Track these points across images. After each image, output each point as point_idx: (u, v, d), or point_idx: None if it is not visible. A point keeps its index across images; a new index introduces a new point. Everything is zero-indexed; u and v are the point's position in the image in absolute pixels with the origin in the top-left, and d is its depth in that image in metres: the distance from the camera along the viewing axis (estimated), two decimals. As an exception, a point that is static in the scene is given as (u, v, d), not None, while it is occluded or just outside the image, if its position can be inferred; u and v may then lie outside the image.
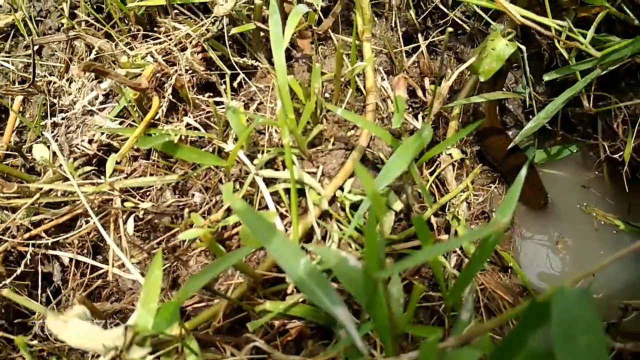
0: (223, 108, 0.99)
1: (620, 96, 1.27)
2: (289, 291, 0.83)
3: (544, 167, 1.43)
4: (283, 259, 0.62)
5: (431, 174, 1.11)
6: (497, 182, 1.26)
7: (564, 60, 1.29)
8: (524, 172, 0.70)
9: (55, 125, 1.09)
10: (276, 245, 0.63)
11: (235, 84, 1.08)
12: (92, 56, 1.12)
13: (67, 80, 1.11)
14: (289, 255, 0.62)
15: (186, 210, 0.87)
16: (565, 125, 1.45)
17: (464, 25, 1.33)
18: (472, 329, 0.56)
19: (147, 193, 1.03)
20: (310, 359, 0.73)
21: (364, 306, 0.62)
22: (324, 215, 0.93)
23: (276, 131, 0.97)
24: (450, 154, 1.12)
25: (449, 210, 1.07)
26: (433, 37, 1.29)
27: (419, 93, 1.14)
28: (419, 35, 1.29)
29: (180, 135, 0.92)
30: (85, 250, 1.03)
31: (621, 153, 1.27)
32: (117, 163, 1.04)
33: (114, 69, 0.98)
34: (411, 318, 0.64)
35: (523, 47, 1.23)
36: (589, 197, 1.36)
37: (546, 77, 1.17)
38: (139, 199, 0.99)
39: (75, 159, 1.04)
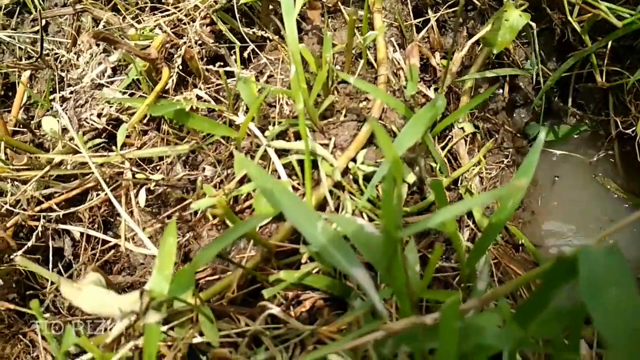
0: (233, 80, 0.98)
1: (634, 71, 1.26)
2: (303, 261, 0.83)
3: (553, 147, 1.42)
4: (300, 222, 0.61)
5: (443, 148, 1.10)
6: (509, 158, 1.25)
7: (576, 35, 1.28)
8: (542, 136, 0.69)
9: (63, 99, 1.08)
10: (292, 208, 0.62)
11: (245, 56, 1.06)
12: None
13: (75, 53, 1.10)
14: (306, 218, 0.62)
15: (199, 179, 0.86)
16: (577, 104, 1.44)
17: (474, 0, 1.31)
18: (495, 290, 0.55)
19: (158, 167, 1.02)
20: (327, 327, 0.72)
21: (382, 271, 0.61)
22: (337, 188, 0.92)
23: (287, 103, 0.96)
24: (462, 128, 1.11)
25: (461, 184, 1.06)
26: (443, 11, 1.27)
27: (433, 62, 1.13)
28: (429, 9, 1.28)
29: (191, 107, 0.91)
30: (96, 225, 1.03)
31: (633, 128, 1.25)
32: (127, 137, 1.03)
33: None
34: (429, 282, 0.64)
35: (533, 24, 1.21)
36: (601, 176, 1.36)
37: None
38: (149, 173, 0.98)
39: (84, 133, 1.04)
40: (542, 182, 1.38)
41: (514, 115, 1.49)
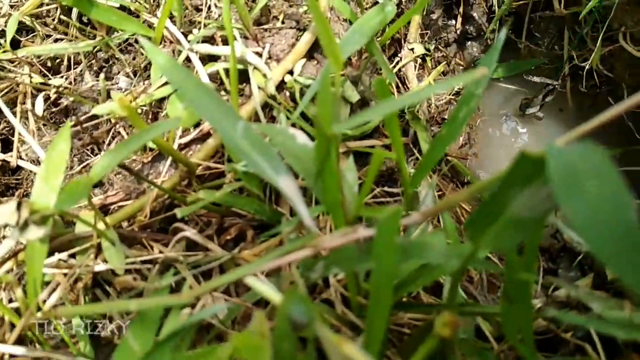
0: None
1: None
2: (226, 182, 0.73)
3: (505, 82, 1.36)
4: (217, 121, 0.51)
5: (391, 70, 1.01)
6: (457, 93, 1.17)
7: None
8: (502, 35, 0.60)
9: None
10: (207, 104, 0.51)
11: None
12: None
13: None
14: (224, 117, 0.51)
15: (102, 79, 0.73)
16: (530, 39, 1.37)
17: None
18: (440, 203, 0.47)
19: (66, 77, 0.88)
20: (249, 251, 0.63)
21: (313, 181, 0.51)
22: (271, 105, 0.81)
23: (216, 5, 0.83)
24: (412, 49, 1.01)
25: (408, 109, 0.97)
26: None
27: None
28: None
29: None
30: (-8, 144, 0.89)
31: (588, 62, 1.20)
32: (31, 42, 0.89)
33: None
34: (367, 198, 0.55)
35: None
36: (549, 113, 1.30)
37: None
38: (57, 78, 0.84)
39: (-23, 35, 0.88)
40: (491, 119, 1.32)
41: (466, 48, 1.42)
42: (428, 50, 1.05)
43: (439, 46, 1.33)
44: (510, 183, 0.40)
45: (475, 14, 1.37)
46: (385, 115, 0.48)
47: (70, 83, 0.86)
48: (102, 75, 0.72)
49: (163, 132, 0.58)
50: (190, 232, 0.62)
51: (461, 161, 1.17)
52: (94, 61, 0.88)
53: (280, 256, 0.48)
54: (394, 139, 0.53)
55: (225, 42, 0.80)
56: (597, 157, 0.34)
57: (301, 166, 0.55)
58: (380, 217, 0.42)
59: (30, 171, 0.86)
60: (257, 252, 0.61)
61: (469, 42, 1.40)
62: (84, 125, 0.75)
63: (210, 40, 0.82)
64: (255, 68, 0.78)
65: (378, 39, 0.80)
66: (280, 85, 0.81)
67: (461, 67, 1.39)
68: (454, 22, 1.38)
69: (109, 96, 0.76)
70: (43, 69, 0.87)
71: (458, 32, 1.37)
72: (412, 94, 0.44)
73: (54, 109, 0.85)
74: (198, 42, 0.77)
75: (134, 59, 0.87)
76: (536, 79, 1.23)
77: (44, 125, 0.86)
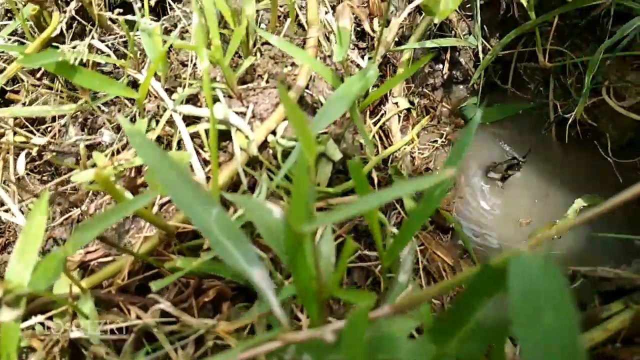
0: (139, 35, 0.84)
1: (577, 52, 1.21)
2: (205, 247, 0.73)
3: (491, 127, 1.36)
4: (190, 206, 0.51)
5: (375, 124, 1.02)
6: (444, 137, 1.18)
7: (522, 11, 1.22)
8: (477, 117, 0.60)
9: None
10: (181, 188, 0.51)
11: (151, 4, 0.91)
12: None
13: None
14: (198, 202, 0.51)
15: (82, 146, 0.73)
16: (517, 83, 1.38)
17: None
18: (410, 297, 0.47)
19: (49, 129, 0.88)
20: (224, 326, 0.63)
21: (287, 264, 0.52)
22: (254, 164, 0.82)
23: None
24: (396, 103, 1.02)
25: (391, 163, 0.98)
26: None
27: (367, 28, 1.03)
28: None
29: (82, 61, 0.77)
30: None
31: (572, 113, 1.21)
32: (15, 93, 0.89)
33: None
34: (341, 279, 0.55)
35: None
36: (535, 160, 1.31)
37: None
38: (39, 135, 0.84)
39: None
40: (477, 163, 1.33)
41: (453, 92, 1.43)
42: (412, 103, 1.06)
43: (426, 90, 1.34)
44: (474, 292, 0.40)
45: (462, 59, 1.39)
46: (364, 211, 0.48)
47: (54, 136, 0.86)
48: (82, 144, 0.72)
49: (143, 205, 0.58)
50: (165, 305, 0.62)
51: (446, 208, 1.17)
52: (79, 113, 0.88)
53: (251, 347, 0.48)
54: (375, 235, 0.53)
55: (209, 102, 0.81)
56: (555, 280, 0.35)
57: (275, 242, 0.55)
58: (348, 317, 0.43)
59: (9, 222, 0.86)
60: (232, 328, 0.61)
61: (456, 86, 1.42)
62: (64, 187, 0.76)
63: (194, 98, 0.82)
64: (237, 129, 0.78)
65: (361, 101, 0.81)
66: (264, 144, 0.82)
67: (447, 110, 1.40)
68: (441, 66, 1.39)
69: (90, 157, 0.76)
70: (26, 122, 0.87)
71: (445, 76, 1.38)
72: (387, 191, 0.44)
73: (38, 162, 0.85)
74: (182, 103, 0.78)
75: (120, 110, 0.88)
76: (507, 148, 1.25)
77: (27, 175, 0.86)
